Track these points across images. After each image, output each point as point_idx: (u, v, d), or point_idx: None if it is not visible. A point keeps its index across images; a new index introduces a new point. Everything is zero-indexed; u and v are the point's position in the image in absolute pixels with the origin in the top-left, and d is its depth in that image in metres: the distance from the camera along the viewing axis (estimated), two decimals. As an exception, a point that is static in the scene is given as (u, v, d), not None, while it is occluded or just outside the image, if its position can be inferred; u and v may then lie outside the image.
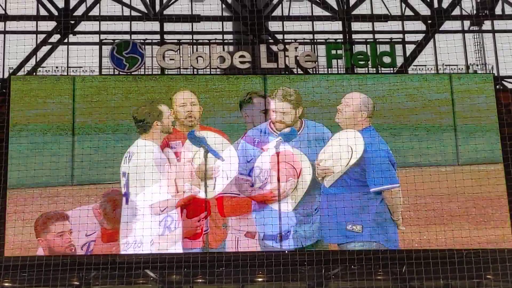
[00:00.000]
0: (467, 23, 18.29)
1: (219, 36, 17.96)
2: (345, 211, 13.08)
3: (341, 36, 17.81)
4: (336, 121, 12.99)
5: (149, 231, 12.06)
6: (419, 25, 17.92)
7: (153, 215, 12.02)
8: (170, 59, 16.40)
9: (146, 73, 16.45)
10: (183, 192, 12.16)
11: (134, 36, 17.62)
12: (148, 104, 12.42)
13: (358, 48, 17.16)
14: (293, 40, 17.14)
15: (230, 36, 18.32)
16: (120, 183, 12.52)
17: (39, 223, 13.57)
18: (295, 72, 16.70)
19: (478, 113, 16.06)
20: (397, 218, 13.07)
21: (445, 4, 17.79)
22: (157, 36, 17.77)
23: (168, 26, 17.80)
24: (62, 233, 13.32)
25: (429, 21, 17.75)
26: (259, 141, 13.31)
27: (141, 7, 17.77)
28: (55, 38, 17.45)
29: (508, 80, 17.44)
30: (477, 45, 17.85)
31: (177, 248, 12.47)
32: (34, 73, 16.83)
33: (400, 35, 17.69)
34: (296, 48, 16.57)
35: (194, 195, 12.23)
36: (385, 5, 17.85)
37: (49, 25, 17.49)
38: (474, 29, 18.14)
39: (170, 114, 12.35)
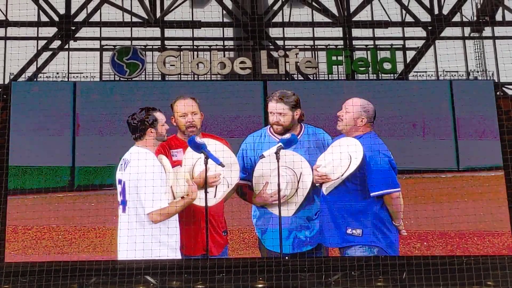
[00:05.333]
0: (467, 30, 18.32)
1: (220, 42, 18.00)
2: (345, 215, 13.03)
3: (341, 42, 17.85)
4: (338, 128, 12.90)
5: (149, 237, 11.97)
6: (420, 32, 17.96)
7: (151, 223, 11.90)
8: (171, 65, 16.42)
9: (147, 79, 16.50)
10: (179, 198, 12.03)
11: (134, 42, 17.65)
12: (143, 110, 12.28)
13: (358, 54, 17.19)
14: (293, 46, 17.16)
15: (231, 42, 18.35)
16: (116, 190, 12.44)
17: None
18: (296, 78, 16.73)
19: (479, 119, 16.07)
20: (399, 223, 13.00)
21: (445, 11, 17.82)
22: (158, 42, 17.81)
23: (169, 32, 17.84)
24: None
25: (430, 28, 17.78)
26: (258, 147, 13.28)
27: (142, 13, 17.80)
28: (56, 44, 17.48)
29: (509, 86, 17.42)
30: (478, 51, 17.87)
31: (177, 255, 12.41)
32: (35, 79, 16.86)
33: (401, 41, 17.71)
34: (296, 54, 16.58)
35: (193, 202, 12.14)
36: (385, 11, 17.87)
37: (50, 31, 17.54)
38: (475, 35, 18.17)
39: (165, 122, 12.21)
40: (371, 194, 12.75)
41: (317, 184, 12.96)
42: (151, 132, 12.06)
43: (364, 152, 12.67)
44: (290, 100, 13.02)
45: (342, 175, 12.71)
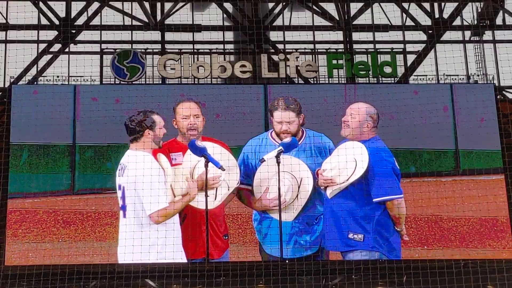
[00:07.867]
0: (467, 33, 18.30)
1: (220, 46, 18.01)
2: (347, 220, 13.05)
3: (342, 46, 17.85)
4: (343, 134, 12.92)
5: (149, 240, 11.99)
6: (420, 35, 17.94)
7: (152, 225, 11.92)
8: (171, 69, 16.40)
9: (147, 82, 16.48)
10: (180, 197, 12.05)
11: (135, 46, 17.67)
12: (142, 112, 12.31)
13: (359, 58, 17.16)
14: (294, 50, 17.15)
15: (231, 46, 18.34)
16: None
17: None
18: (296, 82, 16.71)
19: (479, 123, 16.04)
20: (401, 228, 13.02)
21: (445, 15, 17.82)
22: (158, 46, 17.82)
23: (169, 36, 17.83)
24: None
25: (430, 31, 17.78)
26: (259, 151, 13.31)
27: (142, 17, 17.80)
28: (56, 47, 17.47)
29: (509, 90, 17.43)
30: (478, 55, 17.84)
31: (176, 258, 12.40)
32: (35, 82, 16.84)
33: (401, 45, 17.70)
34: (297, 57, 16.56)
35: (192, 200, 12.15)
36: (386, 15, 17.88)
37: (50, 35, 17.53)
38: (475, 39, 18.14)
39: (163, 125, 12.21)
40: (374, 200, 12.76)
41: (321, 188, 12.97)
42: (149, 134, 12.04)
43: (369, 157, 12.69)
44: (294, 107, 13.08)
45: (347, 179, 12.73)
